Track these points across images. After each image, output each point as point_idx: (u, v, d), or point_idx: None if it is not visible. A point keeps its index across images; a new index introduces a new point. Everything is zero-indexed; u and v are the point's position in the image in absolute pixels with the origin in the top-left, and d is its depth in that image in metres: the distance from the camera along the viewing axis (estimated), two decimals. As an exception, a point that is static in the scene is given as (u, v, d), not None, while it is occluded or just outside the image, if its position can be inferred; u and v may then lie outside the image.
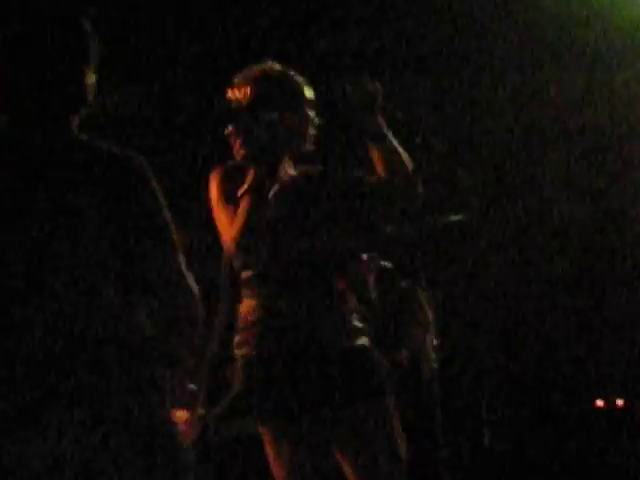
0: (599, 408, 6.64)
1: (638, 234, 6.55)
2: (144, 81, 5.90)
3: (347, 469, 3.01)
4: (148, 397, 2.24)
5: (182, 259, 2.29)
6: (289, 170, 3.09)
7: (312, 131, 3.12)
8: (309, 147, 3.11)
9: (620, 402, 6.64)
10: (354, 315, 3.06)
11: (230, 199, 3.03)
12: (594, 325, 6.85)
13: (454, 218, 5.56)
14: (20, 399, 2.11)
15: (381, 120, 3.07)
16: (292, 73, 3.15)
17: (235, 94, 3.16)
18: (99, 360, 2.21)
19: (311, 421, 2.98)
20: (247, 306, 3.03)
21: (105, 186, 2.24)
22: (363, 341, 3.07)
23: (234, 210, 3.02)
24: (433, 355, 4.74)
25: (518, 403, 6.76)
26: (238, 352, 3.00)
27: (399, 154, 3.02)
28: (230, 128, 3.12)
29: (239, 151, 3.06)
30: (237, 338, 2.98)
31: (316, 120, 3.07)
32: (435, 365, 4.67)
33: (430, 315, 4.75)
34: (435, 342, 4.74)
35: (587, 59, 6.52)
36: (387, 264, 4.43)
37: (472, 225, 6.24)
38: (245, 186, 3.00)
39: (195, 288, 2.28)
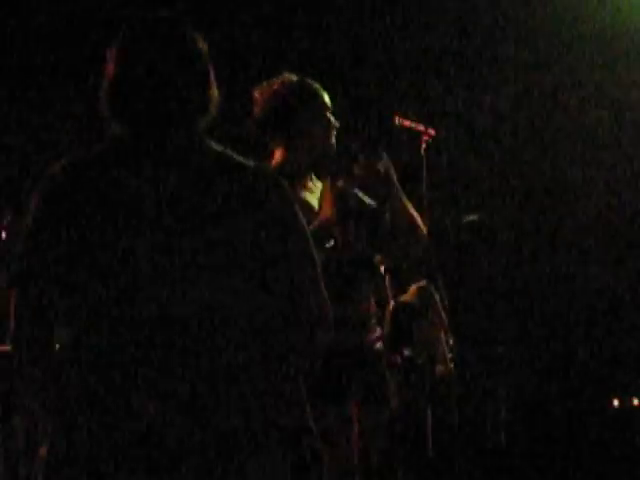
0: (615, 407, 6.64)
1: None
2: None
3: None
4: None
5: (318, 268, 2.27)
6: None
7: (334, 135, 3.31)
8: (333, 151, 3.31)
9: (636, 401, 6.63)
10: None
11: None
12: (610, 324, 6.84)
13: (470, 218, 5.57)
14: None
15: (396, 189, 3.34)
16: (310, 82, 3.35)
17: (259, 106, 3.35)
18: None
19: None
20: None
21: (243, 194, 2.20)
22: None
23: None
24: (449, 354, 4.76)
25: (534, 403, 6.75)
26: None
27: (411, 216, 3.35)
28: (268, 139, 3.32)
29: (279, 157, 3.28)
30: None
31: (336, 124, 3.31)
32: (451, 365, 4.69)
33: (444, 315, 4.77)
34: (451, 341, 4.76)
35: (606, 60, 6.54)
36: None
37: (489, 225, 6.24)
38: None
39: (327, 299, 2.26)
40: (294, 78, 3.31)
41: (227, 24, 6.06)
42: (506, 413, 6.41)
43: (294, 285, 2.22)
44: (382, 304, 4.40)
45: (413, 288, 4.67)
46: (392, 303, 4.47)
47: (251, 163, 2.24)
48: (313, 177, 3.36)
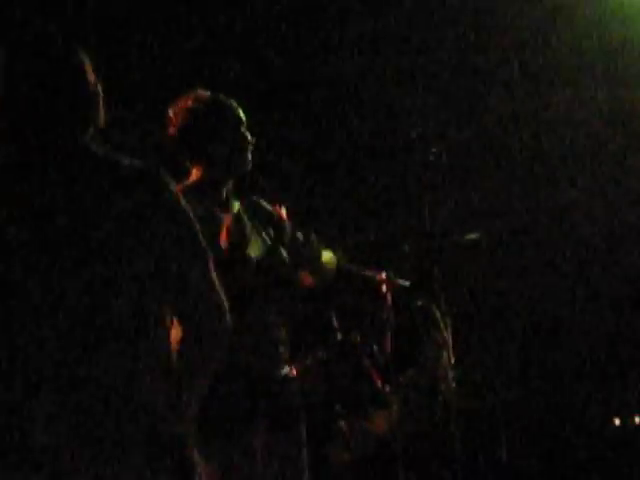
0: (616, 426, 6.62)
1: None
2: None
3: None
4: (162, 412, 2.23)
5: (212, 270, 2.27)
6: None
7: (250, 151, 3.33)
8: (248, 167, 3.33)
9: (638, 420, 6.61)
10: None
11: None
12: (612, 343, 6.83)
13: (471, 237, 5.56)
14: None
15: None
16: (223, 98, 3.37)
17: (174, 122, 3.36)
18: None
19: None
20: None
21: (131, 196, 2.21)
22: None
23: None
24: (450, 374, 4.74)
25: (535, 420, 6.73)
26: None
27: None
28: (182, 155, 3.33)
29: (196, 174, 3.30)
30: None
31: (252, 139, 3.32)
32: (453, 384, 4.66)
33: (446, 333, 4.76)
34: (452, 360, 4.74)
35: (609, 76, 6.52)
36: (404, 282, 4.46)
37: (489, 244, 6.23)
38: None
39: (224, 302, 2.26)
40: (207, 94, 3.31)
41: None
42: (506, 430, 6.40)
43: (183, 280, 2.23)
44: (382, 325, 4.43)
45: (414, 306, 4.69)
46: (394, 323, 4.50)
47: (137, 164, 2.26)
48: (229, 195, 3.35)
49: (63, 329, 2.09)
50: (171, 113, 3.30)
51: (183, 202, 2.27)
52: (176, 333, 2.27)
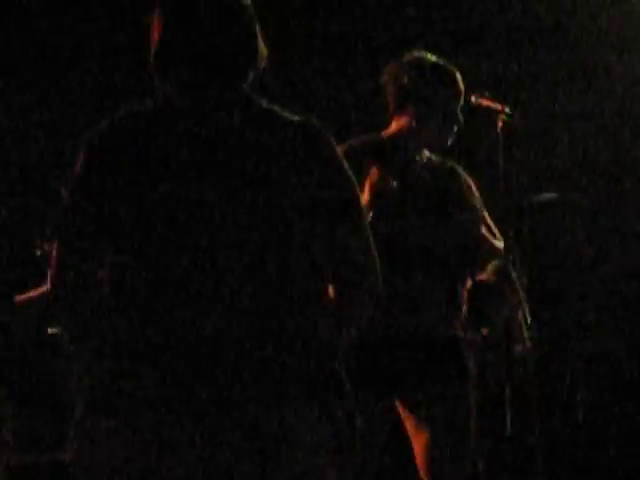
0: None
1: None
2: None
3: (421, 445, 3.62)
4: None
5: (364, 220, 2.39)
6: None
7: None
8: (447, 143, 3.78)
9: None
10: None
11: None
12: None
13: (548, 196, 5.48)
14: None
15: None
16: (445, 63, 3.77)
17: (393, 76, 3.66)
18: None
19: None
20: None
21: (292, 147, 2.25)
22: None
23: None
24: (526, 333, 4.70)
25: (611, 384, 6.66)
26: None
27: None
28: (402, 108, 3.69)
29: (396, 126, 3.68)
30: None
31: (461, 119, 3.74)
32: (529, 343, 4.62)
33: (521, 293, 4.70)
34: (528, 320, 4.69)
35: None
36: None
37: (568, 205, 6.15)
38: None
39: (374, 252, 2.38)
40: (429, 55, 3.74)
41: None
42: (585, 393, 6.36)
43: (337, 235, 2.27)
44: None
45: (490, 266, 4.60)
46: (469, 282, 4.43)
47: (297, 118, 2.30)
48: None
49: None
50: (397, 65, 3.68)
51: (341, 158, 2.33)
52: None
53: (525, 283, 4.69)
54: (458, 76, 3.77)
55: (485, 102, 3.98)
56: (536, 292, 5.16)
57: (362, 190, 3.44)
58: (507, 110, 4.00)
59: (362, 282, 2.30)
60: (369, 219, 3.16)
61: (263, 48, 2.35)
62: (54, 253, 2.28)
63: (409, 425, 3.63)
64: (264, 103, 2.33)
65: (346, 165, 2.32)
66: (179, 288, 2.18)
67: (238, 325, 2.17)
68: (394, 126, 3.76)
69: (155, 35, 2.31)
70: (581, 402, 6.25)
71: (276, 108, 2.33)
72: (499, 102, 4.01)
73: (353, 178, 2.33)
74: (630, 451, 6.24)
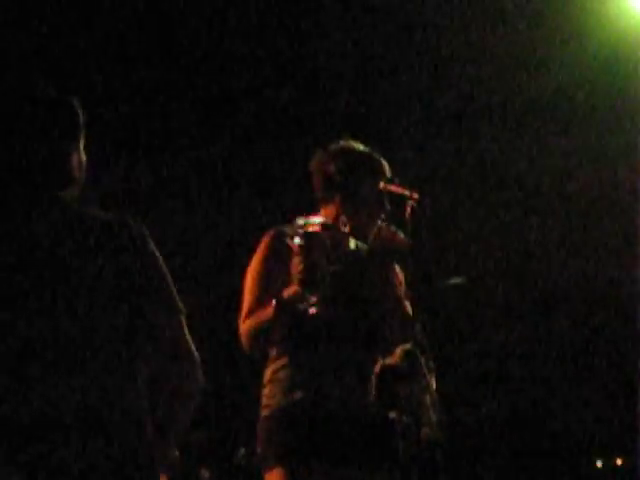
0: (599, 468, 6.67)
1: (634, 296, 6.60)
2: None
3: None
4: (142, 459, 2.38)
5: (183, 321, 2.46)
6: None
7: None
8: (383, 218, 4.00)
9: (619, 461, 6.68)
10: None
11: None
12: (594, 384, 6.88)
13: (455, 281, 5.58)
14: None
15: None
16: (371, 151, 3.90)
17: (321, 166, 3.74)
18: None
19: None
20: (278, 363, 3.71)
21: (108, 248, 2.45)
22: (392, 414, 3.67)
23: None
24: (434, 418, 4.68)
25: (519, 466, 6.78)
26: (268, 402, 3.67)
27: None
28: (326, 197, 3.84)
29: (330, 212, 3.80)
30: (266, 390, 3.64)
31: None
32: (438, 429, 4.60)
33: (430, 378, 4.69)
34: (436, 405, 4.67)
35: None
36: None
37: (473, 288, 6.27)
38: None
39: (195, 353, 2.44)
40: (356, 145, 3.72)
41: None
42: (491, 472, 6.43)
43: (148, 318, 2.45)
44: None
45: (399, 350, 4.58)
46: (378, 365, 4.42)
47: (108, 216, 2.55)
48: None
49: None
50: (324, 155, 3.81)
51: (151, 245, 2.54)
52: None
53: (433, 367, 4.70)
54: (385, 164, 3.85)
55: (394, 188, 4.03)
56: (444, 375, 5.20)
57: (289, 276, 3.53)
58: (415, 196, 4.06)
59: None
60: (312, 302, 3.34)
61: (83, 161, 2.59)
62: None
63: None
64: (76, 207, 2.55)
65: (154, 250, 2.54)
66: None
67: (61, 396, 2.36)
68: (322, 213, 3.83)
69: None
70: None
71: (89, 210, 2.56)
72: (407, 188, 4.07)
73: (160, 261, 2.53)
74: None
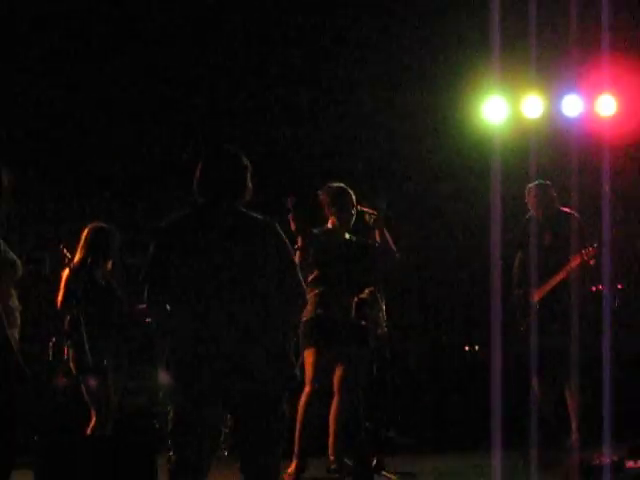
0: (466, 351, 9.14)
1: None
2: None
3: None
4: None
5: (300, 275, 4.03)
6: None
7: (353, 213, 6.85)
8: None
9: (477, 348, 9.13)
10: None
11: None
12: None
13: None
14: None
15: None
16: (345, 187, 6.88)
17: (323, 197, 6.91)
18: None
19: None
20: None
21: (268, 237, 3.83)
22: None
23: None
24: (384, 326, 7.07)
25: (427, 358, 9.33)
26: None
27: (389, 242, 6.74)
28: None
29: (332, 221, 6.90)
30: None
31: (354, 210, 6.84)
32: (385, 329, 7.01)
33: (382, 304, 7.34)
34: (385, 317, 7.09)
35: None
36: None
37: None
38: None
39: (304, 288, 4.10)
40: (338, 185, 6.79)
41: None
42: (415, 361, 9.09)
43: (284, 274, 3.83)
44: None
45: (367, 290, 7.10)
46: (356, 298, 7.04)
47: (261, 217, 3.88)
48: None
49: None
50: (322, 192, 6.84)
51: (284, 239, 3.88)
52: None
53: (383, 298, 7.28)
54: (351, 193, 6.92)
55: (365, 208, 7.18)
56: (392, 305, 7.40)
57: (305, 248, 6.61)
58: (375, 211, 7.13)
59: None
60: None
61: (249, 187, 3.90)
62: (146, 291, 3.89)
63: (336, 363, 6.66)
64: (245, 211, 3.76)
65: (285, 239, 3.81)
66: (211, 317, 3.76)
67: (237, 337, 3.71)
68: (329, 222, 7.02)
69: (198, 174, 3.88)
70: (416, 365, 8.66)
71: (252, 213, 3.79)
72: (373, 208, 7.17)
73: (289, 246, 3.85)
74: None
